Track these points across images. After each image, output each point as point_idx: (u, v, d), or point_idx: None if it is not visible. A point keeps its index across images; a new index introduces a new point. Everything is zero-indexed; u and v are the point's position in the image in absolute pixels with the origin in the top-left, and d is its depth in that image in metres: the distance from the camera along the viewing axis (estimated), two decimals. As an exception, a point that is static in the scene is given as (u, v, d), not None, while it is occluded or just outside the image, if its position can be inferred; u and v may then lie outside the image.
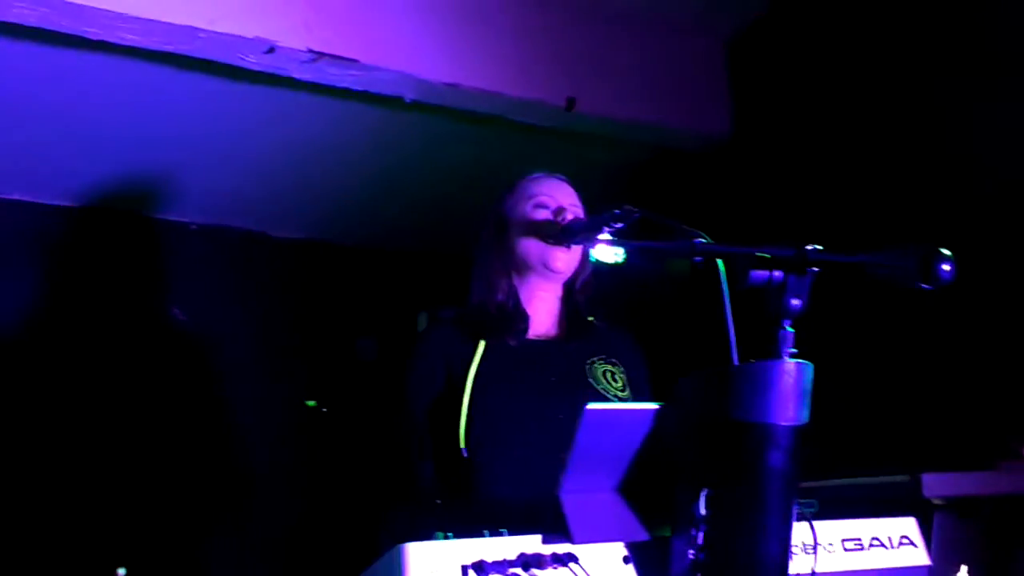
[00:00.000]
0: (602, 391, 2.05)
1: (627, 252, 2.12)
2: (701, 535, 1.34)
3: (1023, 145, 2.79)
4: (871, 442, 2.82)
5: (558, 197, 2.14)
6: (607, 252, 2.15)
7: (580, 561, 1.35)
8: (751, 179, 3.97)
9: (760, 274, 1.29)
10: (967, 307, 2.72)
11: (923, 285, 1.11)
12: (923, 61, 3.19)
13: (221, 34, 3.08)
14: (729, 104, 4.13)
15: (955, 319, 2.81)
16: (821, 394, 1.38)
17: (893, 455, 2.24)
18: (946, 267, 1.10)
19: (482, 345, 2.05)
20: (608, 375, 2.10)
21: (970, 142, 2.96)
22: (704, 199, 4.17)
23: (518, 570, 1.34)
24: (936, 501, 1.94)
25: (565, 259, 2.08)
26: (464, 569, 1.32)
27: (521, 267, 2.12)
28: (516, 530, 1.42)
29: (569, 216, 2.10)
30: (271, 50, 3.15)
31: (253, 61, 3.23)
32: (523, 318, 2.11)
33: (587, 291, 2.20)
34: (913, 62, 3.24)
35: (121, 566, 1.12)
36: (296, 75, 3.33)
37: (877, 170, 3.32)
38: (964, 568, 1.97)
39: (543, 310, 2.15)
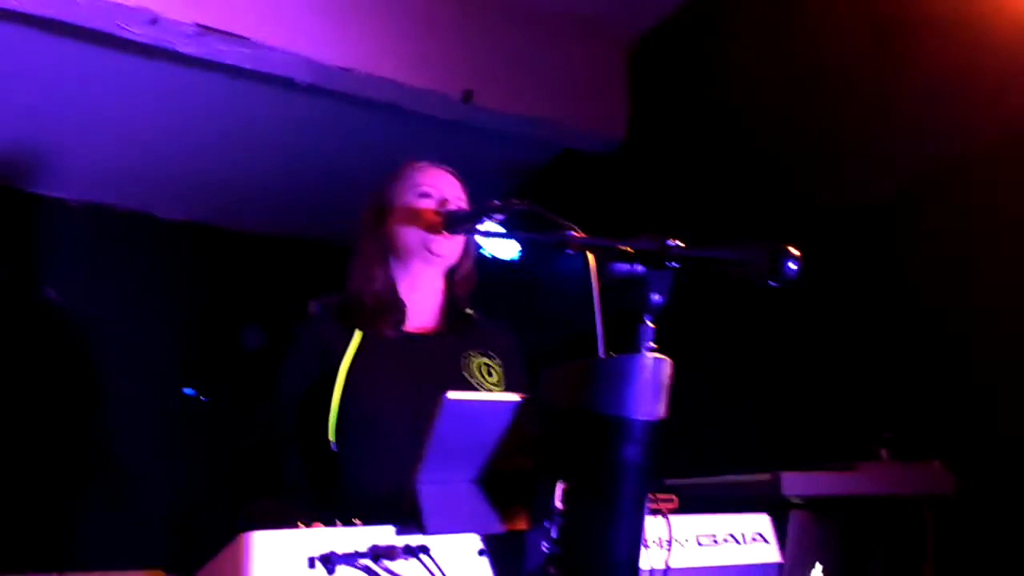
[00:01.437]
0: (476, 385, 2.03)
1: (521, 247, 2.12)
2: (556, 528, 1.33)
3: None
4: (735, 441, 2.89)
5: (442, 188, 2.11)
6: (503, 247, 2.14)
7: (432, 553, 1.33)
8: (644, 180, 4.03)
9: (622, 267, 1.29)
10: (832, 309, 2.82)
11: (770, 282, 1.12)
12: (824, 69, 3.29)
13: (103, 1, 2.94)
14: (626, 107, 4.17)
15: (819, 321, 2.91)
16: (686, 391, 1.39)
17: (756, 454, 2.30)
18: (792, 265, 1.12)
19: (358, 336, 2.01)
20: (484, 369, 2.08)
21: (842, 156, 3.08)
22: (599, 199, 4.22)
23: (368, 562, 1.31)
24: (795, 500, 1.99)
25: (447, 244, 2.06)
26: (311, 560, 1.28)
27: (401, 253, 2.08)
28: (375, 522, 1.38)
29: (452, 207, 2.07)
30: (154, 21, 3.03)
31: (137, 32, 3.09)
32: (399, 308, 2.07)
33: (469, 285, 2.18)
34: (799, 77, 3.34)
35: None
36: (182, 49, 3.20)
37: (761, 175, 3.41)
38: (818, 566, 2.02)
39: (422, 300, 2.12)
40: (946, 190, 2.81)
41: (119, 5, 2.94)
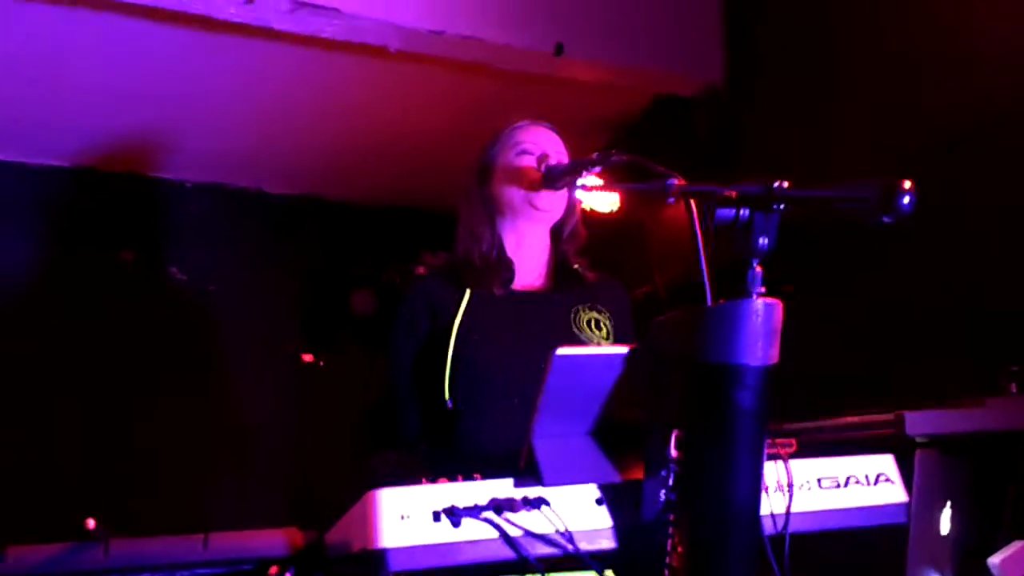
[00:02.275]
0: (585, 339, 2.05)
1: (622, 199, 2.11)
2: (672, 476, 1.34)
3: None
4: (857, 381, 2.81)
5: (542, 144, 2.12)
6: (602, 199, 2.14)
7: (552, 504, 1.36)
8: (744, 124, 3.92)
9: (727, 212, 1.27)
10: (950, 246, 2.70)
11: (884, 218, 1.09)
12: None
13: (198, -15, 3.03)
14: (722, 48, 4.06)
15: (937, 257, 2.79)
16: (805, 332, 1.36)
17: (879, 394, 2.23)
18: (906, 199, 1.07)
19: (467, 295, 2.05)
20: (593, 323, 2.09)
21: (954, 75, 2.93)
22: (699, 144, 4.13)
23: (490, 514, 1.34)
24: (919, 439, 1.93)
25: (550, 199, 2.06)
26: (436, 514, 1.33)
27: (506, 212, 2.10)
28: (492, 475, 1.42)
29: (552, 162, 2.07)
30: (250, 1, 3.10)
31: (232, 13, 3.18)
32: (508, 267, 2.10)
33: (576, 241, 2.19)
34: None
35: (92, 517, 1.14)
36: (276, 25, 3.27)
37: (865, 112, 3.27)
38: (948, 505, 1.97)
39: (529, 258, 2.14)
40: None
41: (215, -12, 3.03)
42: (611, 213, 2.20)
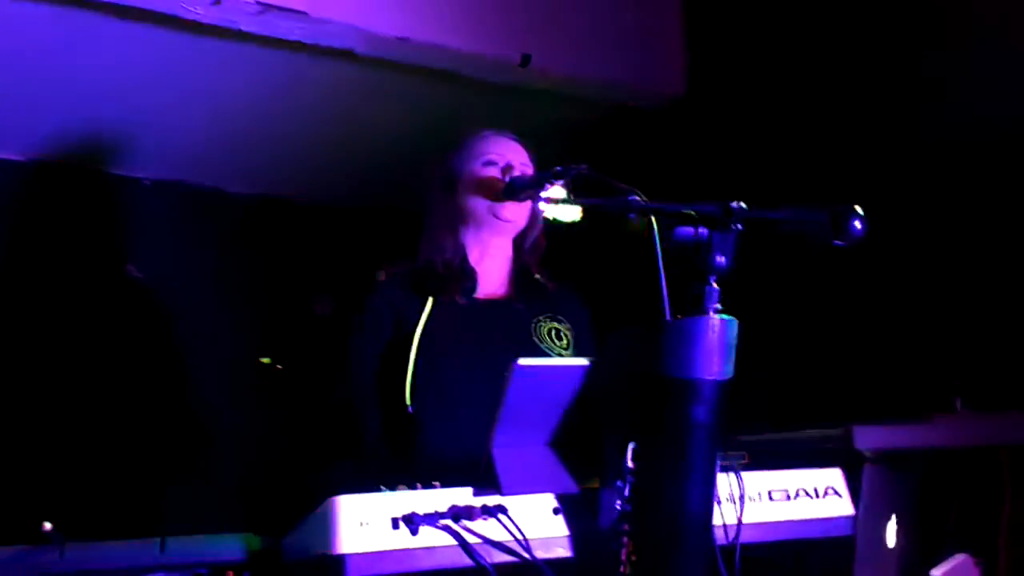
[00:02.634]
0: (546, 350, 2.08)
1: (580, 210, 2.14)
2: (628, 487, 1.37)
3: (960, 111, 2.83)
4: (806, 396, 2.88)
5: (507, 155, 2.14)
6: (565, 211, 2.17)
7: (509, 512, 1.38)
8: (704, 136, 3.98)
9: (686, 230, 1.31)
10: (903, 261, 2.78)
11: (836, 241, 1.13)
12: (874, 28, 3.21)
13: (166, -17, 3.01)
14: (684, 61, 4.12)
15: (890, 273, 2.86)
16: (757, 349, 1.40)
17: (828, 409, 2.29)
18: (857, 224, 1.12)
19: (430, 302, 2.06)
20: (553, 333, 2.12)
21: (912, 106, 3.00)
22: (659, 156, 4.19)
23: (448, 522, 1.36)
24: (867, 453, 1.99)
25: (514, 209, 2.09)
26: (395, 521, 1.34)
27: (469, 222, 2.13)
28: (451, 483, 1.44)
29: (516, 173, 2.10)
30: (217, 1, 3.08)
31: (200, 13, 3.16)
32: (470, 276, 2.12)
33: (538, 251, 2.21)
34: (864, 26, 3.26)
35: (46, 521, 1.13)
36: (244, 27, 3.26)
37: (825, 128, 3.34)
38: (894, 519, 2.03)
39: (492, 268, 2.17)
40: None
41: (183, -13, 3.01)
42: (573, 224, 2.24)
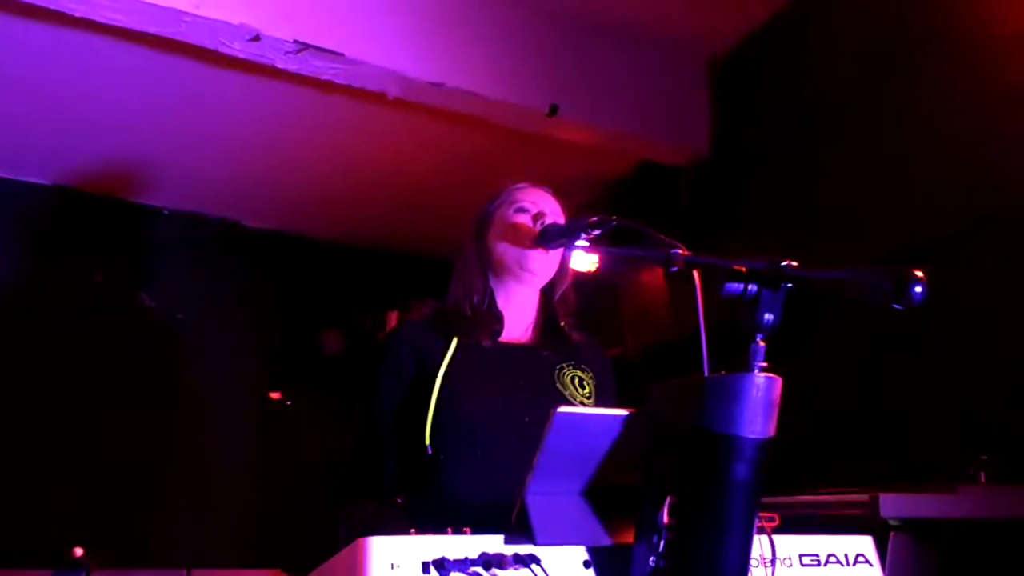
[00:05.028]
0: (568, 397, 2.06)
1: (602, 260, 2.15)
2: (663, 543, 1.34)
3: (994, 178, 2.84)
4: (832, 460, 2.85)
5: (540, 204, 2.15)
6: (581, 260, 2.17)
7: (542, 563, 1.35)
8: (728, 194, 4.01)
9: (735, 287, 1.30)
10: (930, 331, 2.77)
11: (895, 305, 1.12)
12: (904, 89, 3.24)
13: (207, 19, 3.06)
14: (709, 120, 4.17)
15: (919, 343, 2.85)
16: (785, 409, 1.39)
17: (853, 474, 2.26)
18: (918, 289, 1.11)
19: (454, 343, 2.05)
20: (576, 381, 2.11)
21: (948, 170, 3.01)
22: (682, 212, 4.21)
23: (479, 569, 1.34)
24: (892, 522, 1.96)
25: (541, 261, 2.09)
26: (425, 565, 1.32)
27: (498, 269, 2.13)
28: (478, 530, 1.42)
29: (548, 221, 2.11)
30: (256, 38, 3.13)
31: (237, 48, 3.20)
32: (497, 319, 2.11)
33: (566, 305, 2.20)
34: (893, 89, 3.29)
35: (79, 546, 1.12)
36: (280, 65, 3.31)
37: (851, 191, 3.36)
38: (918, 588, 2.00)
39: (518, 314, 2.16)
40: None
41: (223, 23, 3.05)
42: (588, 272, 2.24)
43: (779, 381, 1.31)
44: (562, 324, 2.20)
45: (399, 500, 2.06)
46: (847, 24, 3.55)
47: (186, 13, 3.00)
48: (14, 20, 3.40)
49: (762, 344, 1.31)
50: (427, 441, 1.98)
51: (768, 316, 1.30)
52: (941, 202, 2.97)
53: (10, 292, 4.44)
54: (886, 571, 1.73)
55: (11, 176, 4.55)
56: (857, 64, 3.44)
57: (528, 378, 2.06)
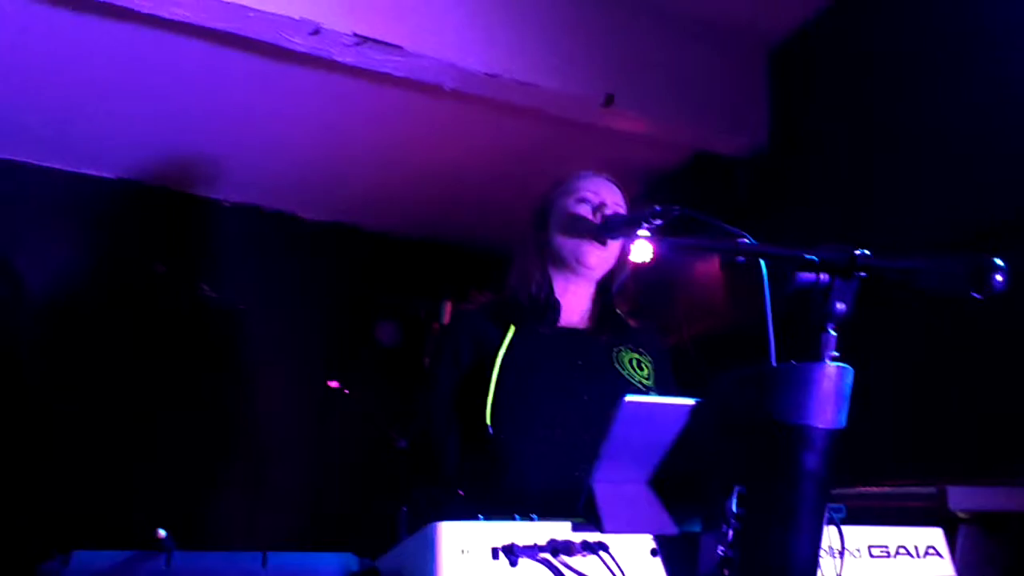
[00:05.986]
0: (627, 376, 2.07)
1: (664, 249, 2.14)
2: (732, 532, 1.34)
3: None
4: (901, 450, 2.81)
5: (602, 194, 2.15)
6: (641, 250, 2.16)
7: (610, 550, 1.36)
8: (786, 185, 3.96)
9: (807, 276, 1.29)
10: (1001, 319, 2.71)
11: (975, 294, 1.11)
12: (962, 71, 3.17)
13: (269, 14, 3.10)
14: (767, 110, 4.12)
15: (988, 331, 2.79)
16: (856, 400, 1.38)
17: (922, 465, 2.23)
18: (999, 277, 1.10)
19: (512, 330, 2.07)
20: (634, 363, 2.12)
21: (1012, 159, 2.94)
22: (739, 203, 4.17)
23: (547, 555, 1.35)
24: (961, 514, 1.93)
25: (598, 256, 2.09)
26: (495, 551, 1.33)
27: (556, 260, 2.14)
28: (542, 515, 1.43)
29: (609, 212, 2.11)
30: (316, 32, 3.17)
31: (299, 42, 3.25)
32: (554, 308, 2.13)
33: (625, 296, 2.20)
34: (952, 72, 3.22)
35: (161, 528, 1.15)
36: (339, 58, 3.34)
37: (914, 184, 3.30)
38: (988, 582, 1.96)
39: (575, 303, 2.17)
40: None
41: (285, 17, 3.10)
42: (644, 263, 2.23)
43: (850, 371, 1.30)
44: (618, 311, 2.20)
45: (460, 493, 2.09)
46: (905, 8, 3.47)
47: (250, 8, 3.05)
48: (80, 16, 3.49)
49: (833, 334, 1.30)
50: (488, 421, 2.00)
51: (840, 306, 1.29)
52: (1004, 186, 2.90)
53: (76, 283, 4.57)
54: (956, 564, 1.71)
55: (76, 169, 4.68)
56: (915, 49, 3.37)
57: (586, 359, 2.07)
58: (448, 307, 5.14)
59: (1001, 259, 1.08)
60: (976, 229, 2.91)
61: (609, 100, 3.70)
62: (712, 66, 4.00)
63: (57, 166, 4.63)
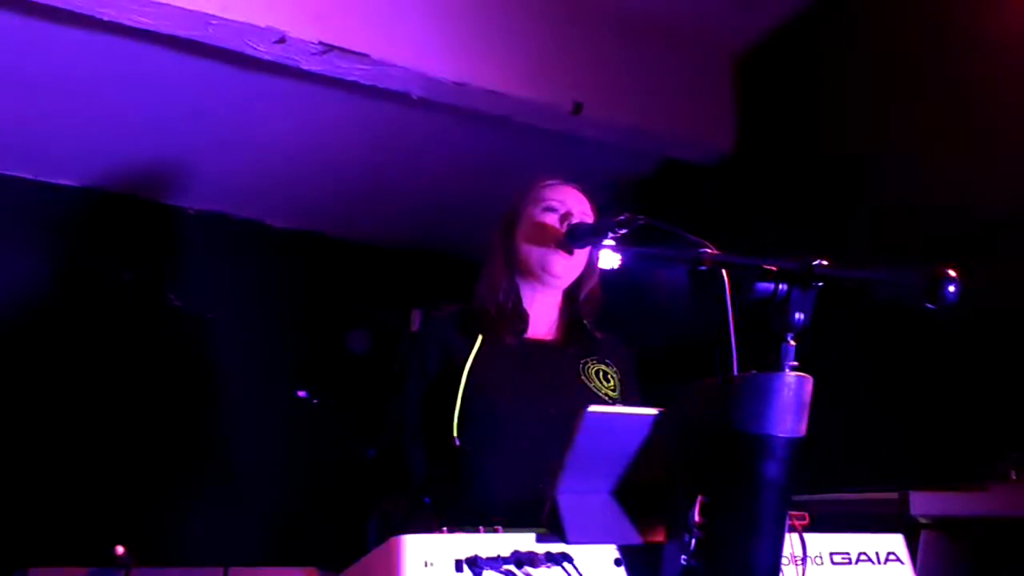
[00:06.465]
0: (593, 389, 2.07)
1: (628, 259, 2.15)
2: (694, 541, 1.35)
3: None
4: (862, 458, 2.84)
5: (568, 203, 2.15)
6: (607, 258, 2.17)
7: (574, 561, 1.36)
8: (753, 193, 3.99)
9: (766, 286, 1.31)
10: (959, 328, 2.75)
11: (928, 305, 1.12)
12: (931, 83, 3.22)
13: (233, 22, 3.08)
14: (734, 118, 4.15)
15: (948, 340, 2.84)
16: (816, 408, 1.39)
17: (883, 472, 2.26)
18: (952, 288, 1.11)
19: (479, 340, 2.07)
20: (601, 375, 2.13)
21: (975, 169, 2.99)
22: (706, 210, 4.20)
23: (511, 567, 1.35)
24: (923, 520, 1.96)
25: (564, 265, 2.10)
26: (458, 563, 1.33)
27: (523, 269, 2.14)
28: (508, 526, 1.43)
29: (576, 221, 2.11)
30: (282, 40, 3.15)
31: (263, 51, 3.23)
32: (522, 318, 2.13)
33: (592, 303, 2.21)
34: (920, 83, 3.27)
35: (120, 544, 1.14)
36: (305, 66, 3.33)
37: (878, 190, 3.34)
38: (948, 587, 1.99)
39: (542, 313, 2.18)
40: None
41: (250, 25, 3.08)
42: (610, 271, 2.23)
43: (810, 380, 1.32)
44: (585, 322, 2.21)
45: (427, 501, 2.08)
46: (872, 19, 3.52)
47: (213, 16, 3.03)
48: (41, 23, 3.44)
49: (793, 343, 1.31)
50: (454, 433, 1.99)
51: (799, 315, 1.30)
52: (971, 200, 2.95)
53: (38, 293, 4.50)
54: (917, 570, 1.73)
55: (38, 178, 4.61)
56: (882, 56, 3.42)
57: (553, 371, 2.08)
58: (417, 315, 5.13)
59: (955, 270, 1.09)
60: (940, 239, 2.96)
61: (577, 108, 3.72)
62: (679, 74, 4.04)
63: (19, 174, 4.56)
